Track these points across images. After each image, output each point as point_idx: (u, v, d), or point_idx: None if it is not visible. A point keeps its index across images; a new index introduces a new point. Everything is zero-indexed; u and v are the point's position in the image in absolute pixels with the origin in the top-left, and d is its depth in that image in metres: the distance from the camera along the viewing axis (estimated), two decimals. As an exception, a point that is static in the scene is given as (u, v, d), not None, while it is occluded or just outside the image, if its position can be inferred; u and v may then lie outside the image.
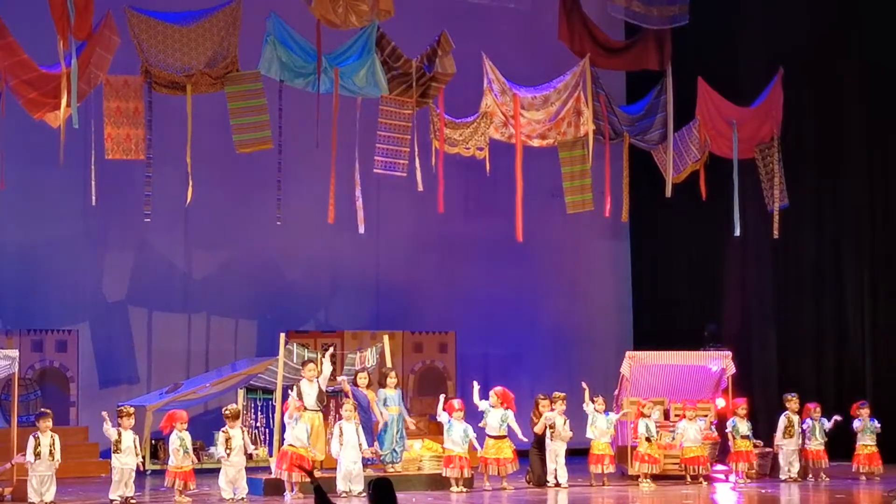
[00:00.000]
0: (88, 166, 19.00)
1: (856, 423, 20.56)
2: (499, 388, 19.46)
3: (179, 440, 17.72)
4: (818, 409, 20.58)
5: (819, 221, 23.77)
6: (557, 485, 19.39)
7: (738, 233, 22.58)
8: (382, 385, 19.39)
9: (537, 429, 19.69)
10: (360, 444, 18.21)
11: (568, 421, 19.59)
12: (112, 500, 17.35)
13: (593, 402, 19.87)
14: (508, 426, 19.21)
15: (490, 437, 19.25)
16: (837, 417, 20.56)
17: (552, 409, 19.56)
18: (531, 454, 19.83)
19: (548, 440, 19.59)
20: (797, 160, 23.13)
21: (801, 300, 24.03)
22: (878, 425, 20.55)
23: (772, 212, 22.56)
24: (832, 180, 23.74)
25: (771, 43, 23.57)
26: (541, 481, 19.55)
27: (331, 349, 19.53)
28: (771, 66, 22.93)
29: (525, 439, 19.37)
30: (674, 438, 20.16)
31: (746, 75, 23.68)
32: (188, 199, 19.35)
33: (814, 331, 23.96)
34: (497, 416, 19.20)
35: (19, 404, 18.92)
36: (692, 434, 20.00)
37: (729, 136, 22.38)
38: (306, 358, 19.18)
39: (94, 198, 18.93)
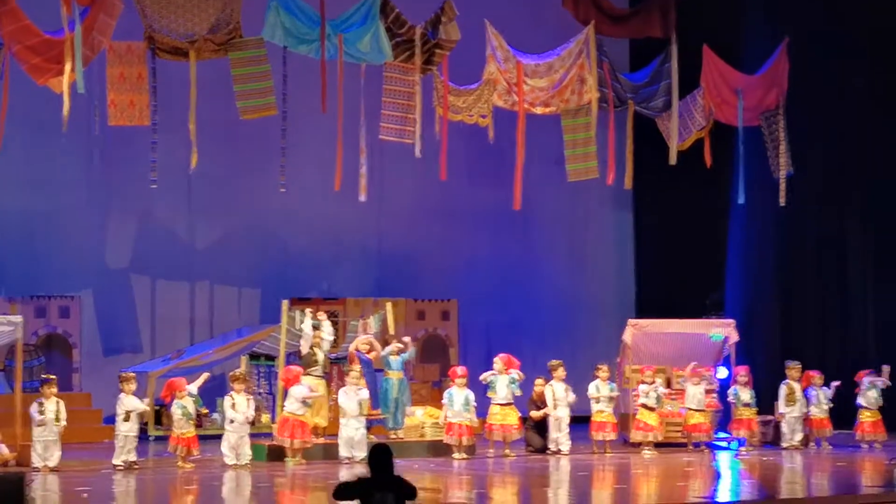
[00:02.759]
0: (91, 133, 18.98)
1: (862, 390, 20.48)
2: (503, 355, 19.50)
3: (181, 408, 17.77)
4: (820, 378, 20.58)
5: (824, 190, 23.72)
6: (558, 452, 19.43)
7: (742, 201, 22.55)
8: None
9: (535, 415, 19.75)
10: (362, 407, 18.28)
11: (569, 387, 19.62)
12: (116, 466, 17.42)
13: (597, 369, 19.89)
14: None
15: (496, 403, 19.27)
16: (836, 383, 20.56)
17: (548, 384, 19.61)
18: (527, 430, 19.88)
19: (552, 411, 19.61)
20: (802, 128, 23.07)
21: (804, 268, 24.02)
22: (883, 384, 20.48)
23: (777, 180, 22.52)
24: (837, 148, 23.68)
25: (776, 10, 23.49)
26: (540, 449, 19.59)
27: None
28: (776, 34, 22.86)
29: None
30: (674, 403, 20.21)
31: (751, 43, 23.61)
32: (192, 166, 19.33)
33: (817, 299, 23.95)
34: (504, 382, 19.23)
35: (23, 370, 18.96)
36: (695, 397, 20.00)
37: (734, 103, 22.33)
38: (312, 324, 19.20)
39: (96, 160, 18.90)
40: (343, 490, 10.56)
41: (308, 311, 19.15)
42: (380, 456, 10.54)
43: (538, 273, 26.12)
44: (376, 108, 20.14)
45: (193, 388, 18.02)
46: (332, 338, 19.08)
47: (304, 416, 18.13)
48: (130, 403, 17.64)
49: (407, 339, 19.67)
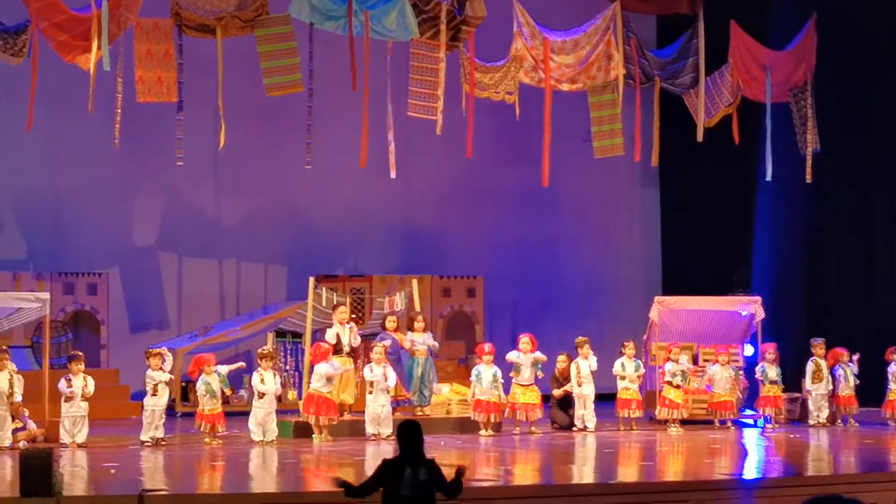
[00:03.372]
0: (118, 110, 19.00)
1: (891, 367, 20.43)
2: (528, 334, 19.53)
3: (206, 384, 17.82)
4: (847, 355, 20.53)
5: (851, 166, 23.62)
6: (584, 429, 19.45)
7: (769, 178, 22.45)
8: (410, 328, 19.45)
9: (556, 393, 19.79)
10: (388, 387, 18.32)
11: (593, 361, 19.62)
12: (143, 442, 17.49)
13: (623, 346, 19.91)
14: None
15: (519, 385, 19.29)
16: (856, 356, 20.49)
17: (571, 362, 19.62)
18: (551, 407, 19.91)
19: (575, 387, 19.64)
20: (830, 104, 22.96)
21: (831, 245, 23.93)
22: None
23: (804, 156, 22.43)
24: (865, 125, 23.57)
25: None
26: (565, 426, 19.62)
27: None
28: (804, 10, 22.72)
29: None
30: (701, 380, 20.18)
31: (779, 19, 23.47)
32: (221, 143, 19.35)
33: (844, 276, 23.87)
34: (528, 362, 19.24)
35: (51, 347, 19.05)
36: (722, 380, 19.97)
37: (762, 80, 22.22)
38: (336, 301, 19.25)
39: (116, 140, 18.93)
40: (356, 491, 10.58)
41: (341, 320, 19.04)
42: (409, 432, 10.56)
43: (564, 250, 26.08)
44: (403, 86, 20.11)
45: (224, 369, 18.07)
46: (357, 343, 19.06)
47: (330, 392, 18.17)
48: (158, 376, 17.70)
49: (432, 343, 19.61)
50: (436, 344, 19.66)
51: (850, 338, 22.24)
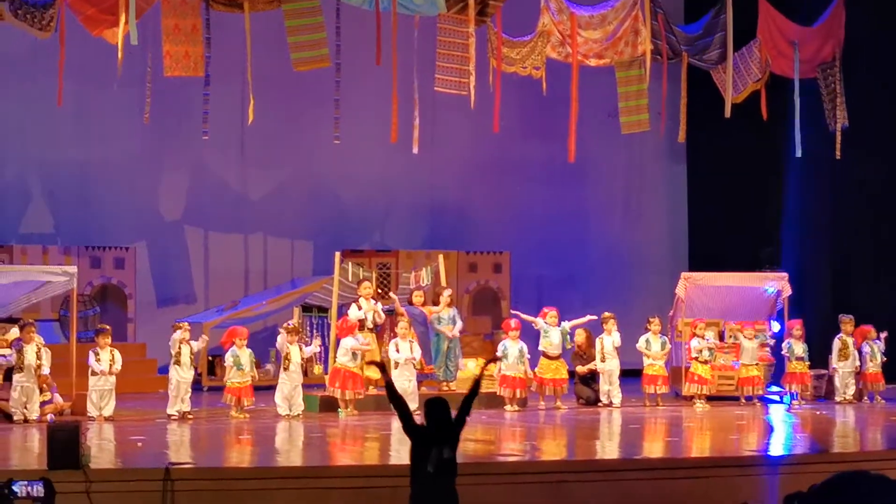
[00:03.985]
0: (145, 85, 19.03)
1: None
2: (553, 308, 19.55)
3: (234, 357, 17.88)
4: (874, 332, 20.48)
5: (880, 143, 23.50)
6: (610, 404, 19.46)
7: (798, 154, 22.34)
8: (436, 304, 19.46)
9: (581, 370, 19.80)
10: (414, 360, 18.36)
11: (617, 336, 19.64)
12: (170, 416, 17.56)
13: (649, 322, 19.91)
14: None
15: (548, 356, 19.31)
16: (884, 334, 20.44)
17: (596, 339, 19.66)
18: (576, 383, 19.93)
19: (599, 363, 19.66)
20: (859, 80, 22.83)
21: (859, 222, 23.83)
22: None
23: (833, 132, 22.32)
24: (894, 100, 23.43)
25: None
26: (591, 401, 19.64)
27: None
28: (833, -15, 22.61)
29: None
30: (727, 356, 20.16)
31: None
32: (249, 119, 19.36)
33: (871, 253, 23.78)
34: (557, 333, 19.27)
35: (78, 320, 19.14)
36: (750, 353, 19.94)
37: (790, 55, 22.10)
38: (361, 276, 19.28)
39: (147, 115, 18.97)
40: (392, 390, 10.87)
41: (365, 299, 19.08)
42: (435, 409, 10.60)
43: (590, 226, 26.05)
44: (430, 61, 20.07)
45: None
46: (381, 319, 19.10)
47: (355, 367, 18.20)
48: (179, 335, 17.73)
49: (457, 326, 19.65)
50: (461, 324, 19.62)
51: (877, 315, 22.17)
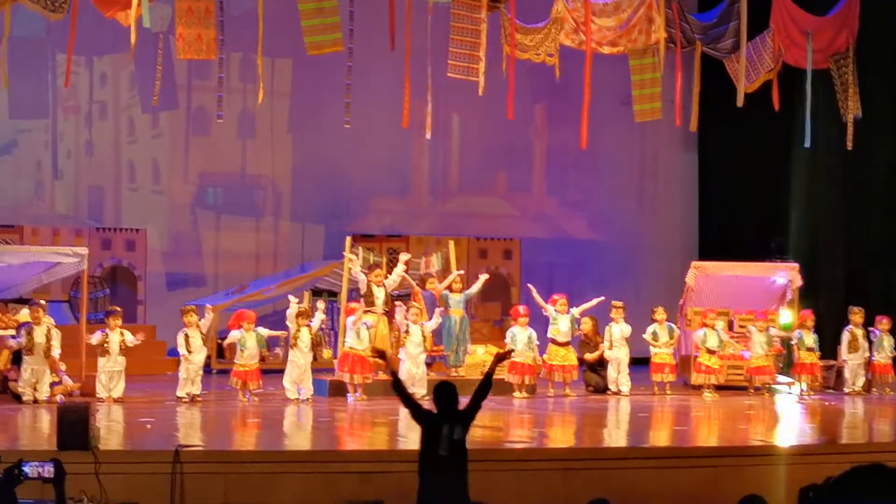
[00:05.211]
0: (157, 67, 19.03)
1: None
2: (563, 294, 19.56)
3: (238, 340, 17.87)
4: (885, 322, 20.44)
5: (892, 134, 23.43)
6: (619, 393, 19.46)
7: (807, 144, 22.30)
8: (448, 289, 19.46)
9: (589, 357, 19.80)
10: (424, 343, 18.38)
11: (626, 326, 19.63)
12: (179, 398, 17.57)
13: (654, 312, 19.89)
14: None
15: (557, 343, 19.31)
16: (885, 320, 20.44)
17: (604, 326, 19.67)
18: (585, 371, 19.94)
19: (607, 350, 19.66)
20: (872, 71, 22.77)
21: (870, 213, 23.77)
22: None
23: (845, 123, 22.26)
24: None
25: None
26: (600, 388, 19.65)
27: (407, 256, 19.53)
28: (847, -24, 22.53)
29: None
30: (736, 346, 20.14)
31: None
32: (259, 100, 19.35)
33: (883, 244, 23.72)
34: (566, 321, 19.27)
35: (88, 302, 19.15)
36: (759, 345, 19.90)
37: (803, 45, 22.03)
38: (372, 262, 19.27)
39: (155, 98, 18.97)
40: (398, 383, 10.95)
41: (353, 256, 19.05)
42: (445, 392, 10.64)
43: (601, 213, 26.02)
44: (443, 46, 20.05)
45: (265, 331, 18.12)
46: (398, 277, 19.06)
47: (364, 351, 18.14)
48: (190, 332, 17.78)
49: (483, 276, 19.73)
50: (470, 292, 19.64)
51: (887, 305, 22.13)
